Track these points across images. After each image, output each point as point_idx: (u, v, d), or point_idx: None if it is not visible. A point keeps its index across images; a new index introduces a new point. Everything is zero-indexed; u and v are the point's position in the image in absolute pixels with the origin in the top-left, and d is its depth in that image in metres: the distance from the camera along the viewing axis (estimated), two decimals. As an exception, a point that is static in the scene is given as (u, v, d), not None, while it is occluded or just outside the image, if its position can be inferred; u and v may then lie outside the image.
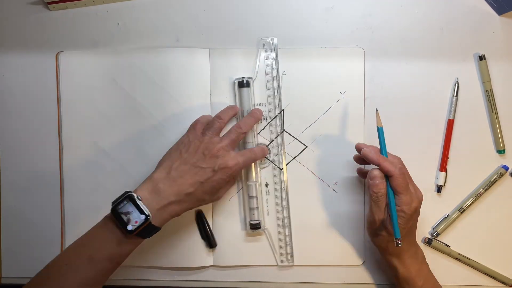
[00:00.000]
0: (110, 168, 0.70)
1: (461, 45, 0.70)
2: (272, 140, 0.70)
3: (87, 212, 0.70)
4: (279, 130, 0.70)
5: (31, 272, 0.71)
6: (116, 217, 0.57)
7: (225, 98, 0.69)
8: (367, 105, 0.69)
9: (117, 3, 0.71)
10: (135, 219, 0.56)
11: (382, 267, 0.70)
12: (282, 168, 0.70)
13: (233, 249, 0.70)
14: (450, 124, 0.69)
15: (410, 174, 0.64)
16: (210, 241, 0.69)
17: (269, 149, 0.69)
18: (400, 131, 0.70)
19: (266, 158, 0.69)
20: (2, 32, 0.71)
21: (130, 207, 0.56)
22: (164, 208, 0.58)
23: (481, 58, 0.69)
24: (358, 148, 0.63)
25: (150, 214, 0.56)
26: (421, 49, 0.70)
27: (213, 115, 0.69)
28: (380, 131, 0.62)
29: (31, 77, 0.71)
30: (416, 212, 0.61)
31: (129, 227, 0.55)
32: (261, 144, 0.69)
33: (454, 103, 0.69)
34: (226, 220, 0.70)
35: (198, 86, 0.69)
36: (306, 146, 0.70)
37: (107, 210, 0.68)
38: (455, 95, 0.69)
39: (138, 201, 0.56)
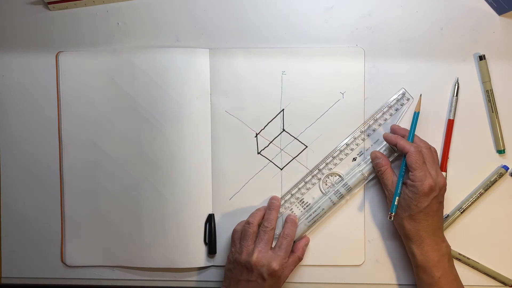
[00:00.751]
0: (109, 168, 0.70)
1: (461, 45, 0.70)
2: (272, 141, 0.70)
3: (87, 212, 0.70)
4: (279, 130, 0.70)
5: (31, 272, 0.71)
6: None
7: (225, 98, 0.69)
8: (367, 105, 0.69)
9: (117, 3, 0.71)
10: None
11: (381, 267, 0.70)
12: (282, 168, 0.70)
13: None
14: (450, 124, 0.69)
15: None
16: (211, 248, 0.69)
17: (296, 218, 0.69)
18: (400, 131, 0.70)
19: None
20: (2, 32, 0.71)
21: None
22: None
23: (481, 58, 0.69)
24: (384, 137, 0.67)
25: None
26: (421, 49, 0.70)
27: (213, 116, 0.69)
28: (415, 115, 0.66)
29: (31, 77, 0.71)
30: (431, 193, 0.61)
31: None
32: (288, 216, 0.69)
33: (454, 103, 0.69)
34: (226, 220, 0.70)
35: (198, 86, 0.69)
36: (306, 146, 0.70)
37: (107, 210, 0.69)
38: (455, 95, 0.69)
39: None
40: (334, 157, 0.69)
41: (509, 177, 0.70)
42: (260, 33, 0.70)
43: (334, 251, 0.70)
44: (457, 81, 0.69)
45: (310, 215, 0.68)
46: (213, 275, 0.71)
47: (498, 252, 0.70)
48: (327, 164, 0.69)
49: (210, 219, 0.70)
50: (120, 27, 0.71)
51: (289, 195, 0.70)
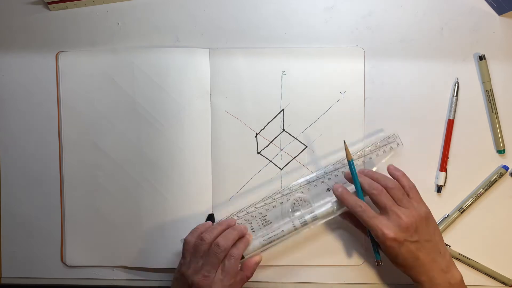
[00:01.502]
0: (109, 168, 0.70)
1: (461, 45, 0.70)
2: (272, 141, 0.70)
3: (87, 212, 0.70)
4: (279, 130, 0.70)
5: (31, 272, 0.71)
6: None
7: (225, 98, 0.69)
8: (367, 105, 0.69)
9: (117, 3, 0.71)
10: None
11: (381, 267, 0.70)
12: (282, 168, 0.70)
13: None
14: (450, 124, 0.69)
15: (410, 176, 0.64)
16: None
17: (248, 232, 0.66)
18: (400, 131, 0.69)
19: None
20: (2, 32, 0.71)
21: None
22: None
23: (481, 58, 0.69)
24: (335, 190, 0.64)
25: None
26: (421, 49, 0.70)
27: (212, 116, 0.69)
28: (350, 163, 0.64)
29: (31, 77, 0.71)
30: (397, 243, 0.59)
31: None
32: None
33: (454, 103, 0.69)
34: (228, 215, 0.70)
35: (198, 86, 0.69)
36: (306, 146, 0.70)
37: (106, 210, 0.69)
38: (455, 95, 0.69)
39: None
40: (309, 182, 0.68)
41: (509, 177, 0.70)
42: (260, 33, 0.70)
43: (334, 251, 0.70)
44: (457, 81, 0.69)
45: (268, 234, 0.65)
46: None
47: (498, 252, 0.70)
48: (300, 186, 0.67)
49: (211, 219, 0.70)
50: (120, 27, 0.71)
51: (253, 208, 0.67)
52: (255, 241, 0.65)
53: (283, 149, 0.70)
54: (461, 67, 0.70)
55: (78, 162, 0.70)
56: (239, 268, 0.63)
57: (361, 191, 0.63)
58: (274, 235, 0.65)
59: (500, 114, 0.69)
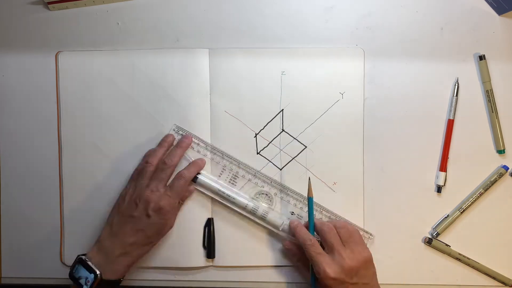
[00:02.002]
0: (109, 168, 0.70)
1: (461, 45, 0.70)
2: (272, 141, 0.70)
3: (86, 212, 0.70)
4: (278, 130, 0.70)
5: (31, 272, 0.72)
6: (72, 280, 0.62)
7: (225, 98, 0.69)
8: (367, 105, 0.69)
9: (117, 3, 0.71)
10: (87, 279, 0.61)
11: (381, 266, 0.70)
12: (281, 169, 0.70)
13: (233, 249, 0.70)
14: (450, 124, 0.69)
15: (408, 177, 0.66)
16: (210, 251, 0.69)
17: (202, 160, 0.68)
18: (400, 131, 0.70)
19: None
20: (2, 32, 0.71)
21: (80, 269, 0.61)
22: (113, 262, 0.62)
23: (481, 58, 0.69)
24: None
25: (99, 271, 0.60)
26: (421, 49, 0.70)
27: (212, 116, 0.69)
28: (310, 201, 0.66)
29: (31, 77, 0.71)
30: (335, 282, 0.60)
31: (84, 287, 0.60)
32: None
33: (454, 103, 0.69)
34: (226, 220, 0.70)
35: (198, 86, 0.69)
36: (306, 147, 0.70)
37: (106, 209, 0.69)
38: (455, 95, 0.69)
39: (87, 262, 0.61)
40: (288, 194, 0.69)
41: (509, 177, 0.70)
42: (260, 33, 0.70)
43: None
44: (457, 81, 0.69)
45: (226, 189, 0.68)
46: (212, 275, 0.71)
47: (498, 252, 0.70)
48: (280, 190, 0.69)
49: (209, 223, 0.70)
50: (120, 27, 0.71)
51: (236, 163, 0.69)
52: (213, 183, 0.68)
53: (283, 149, 0.70)
54: (461, 67, 0.70)
55: (78, 162, 0.70)
56: (187, 189, 0.67)
57: (313, 227, 0.65)
58: (227, 195, 0.67)
59: (500, 114, 0.69)
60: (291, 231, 0.66)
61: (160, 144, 0.68)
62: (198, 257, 0.70)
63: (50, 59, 0.70)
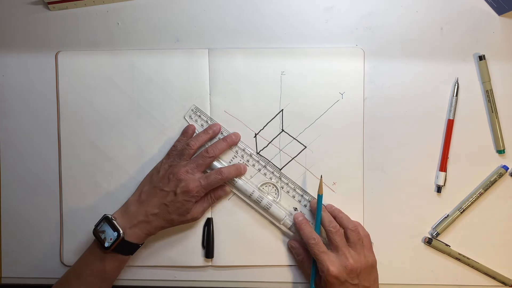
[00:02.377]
0: (108, 168, 0.70)
1: (461, 45, 0.70)
2: (271, 141, 0.70)
3: (86, 212, 0.70)
4: (278, 130, 0.70)
5: (31, 272, 0.72)
6: (95, 236, 0.64)
7: (225, 98, 0.69)
8: (367, 105, 0.69)
9: (117, 3, 0.71)
10: (109, 237, 0.63)
11: (381, 266, 0.70)
12: (281, 169, 0.70)
13: (232, 249, 0.70)
14: (450, 124, 0.69)
15: (408, 177, 0.66)
16: (208, 251, 0.69)
17: (245, 166, 0.69)
18: (400, 131, 0.70)
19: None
20: (2, 32, 0.71)
21: (105, 227, 0.64)
22: (135, 226, 0.64)
23: (481, 58, 0.69)
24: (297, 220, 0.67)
25: (122, 232, 0.63)
26: (421, 49, 0.70)
27: (212, 116, 0.69)
28: (319, 198, 0.66)
29: (31, 77, 0.71)
30: (336, 281, 0.61)
31: (106, 244, 0.63)
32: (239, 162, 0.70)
33: (454, 103, 0.69)
34: (226, 220, 0.70)
35: (197, 86, 0.69)
36: (305, 147, 0.70)
37: (105, 210, 0.69)
38: (455, 95, 0.69)
39: (112, 221, 0.64)
40: (292, 185, 0.69)
41: (509, 177, 0.70)
42: (260, 33, 0.70)
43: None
44: (457, 81, 0.69)
45: (242, 181, 0.68)
46: (212, 275, 0.71)
47: (498, 252, 0.70)
48: (289, 183, 0.69)
49: (209, 222, 0.70)
50: (120, 27, 0.71)
51: (256, 156, 0.69)
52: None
53: (282, 150, 0.70)
54: (461, 67, 0.69)
55: (77, 162, 0.70)
56: (222, 189, 0.68)
57: (319, 225, 0.66)
58: (235, 180, 0.68)
59: (500, 114, 0.69)
60: (296, 226, 0.67)
61: (205, 131, 0.68)
62: (196, 256, 0.70)
63: (50, 59, 0.70)
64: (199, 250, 0.70)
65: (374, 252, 0.66)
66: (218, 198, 0.69)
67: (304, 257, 0.67)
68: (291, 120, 0.69)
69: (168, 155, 0.68)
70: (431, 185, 0.70)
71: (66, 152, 0.70)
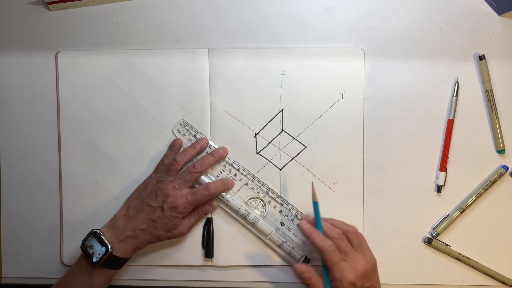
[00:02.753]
0: (108, 168, 0.70)
1: (461, 45, 0.70)
2: (271, 141, 0.70)
3: (86, 212, 0.70)
4: (278, 130, 0.70)
5: (31, 272, 0.72)
6: (83, 251, 0.64)
7: (225, 98, 0.69)
8: (367, 105, 0.69)
9: (117, 3, 0.71)
10: (98, 252, 0.63)
11: (381, 266, 0.70)
12: (281, 169, 0.70)
13: (232, 249, 0.70)
14: (450, 124, 0.69)
15: (408, 177, 0.66)
16: (208, 251, 0.69)
17: (233, 180, 0.69)
18: (400, 131, 0.70)
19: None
20: (2, 32, 0.71)
21: (93, 242, 0.64)
22: (122, 241, 0.65)
23: (481, 58, 0.69)
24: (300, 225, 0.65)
25: (111, 247, 0.63)
26: (421, 49, 0.70)
27: (212, 116, 0.69)
28: (315, 205, 0.64)
29: (31, 77, 0.71)
30: (354, 285, 0.60)
31: (94, 259, 0.63)
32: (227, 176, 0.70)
33: (454, 103, 0.69)
34: (226, 220, 0.70)
35: (197, 86, 0.69)
36: (305, 147, 0.70)
37: (105, 210, 0.69)
38: (455, 95, 0.69)
39: (100, 236, 0.64)
40: (280, 204, 0.69)
41: (509, 177, 0.70)
42: (260, 33, 0.70)
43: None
44: (457, 81, 0.69)
45: (229, 195, 0.68)
46: (212, 275, 0.71)
47: (498, 252, 0.70)
48: (274, 196, 0.69)
49: (209, 222, 0.70)
50: (120, 27, 0.71)
51: (245, 172, 0.69)
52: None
53: (282, 149, 0.70)
54: (461, 67, 0.69)
55: (77, 162, 0.70)
56: (210, 203, 0.68)
57: (321, 232, 0.64)
58: (222, 196, 0.68)
59: (500, 114, 0.69)
60: (305, 235, 0.64)
61: (192, 145, 0.68)
62: (196, 256, 0.70)
63: (50, 59, 0.70)
64: (199, 250, 0.70)
65: (374, 252, 0.66)
66: (206, 213, 0.69)
67: (315, 279, 0.63)
68: (291, 120, 0.69)
69: (156, 170, 0.68)
70: (431, 185, 0.70)
71: (66, 152, 0.70)
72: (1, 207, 0.72)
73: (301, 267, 0.63)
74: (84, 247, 0.64)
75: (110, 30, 0.71)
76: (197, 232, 0.70)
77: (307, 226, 0.64)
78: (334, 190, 0.69)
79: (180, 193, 0.65)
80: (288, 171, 0.70)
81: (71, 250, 0.71)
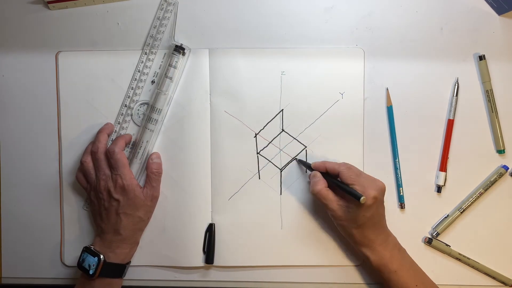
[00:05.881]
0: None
1: (461, 45, 0.70)
2: (271, 141, 0.70)
3: (86, 212, 0.70)
4: (278, 130, 0.70)
5: (31, 272, 0.72)
6: (80, 268, 0.65)
7: (225, 98, 0.69)
8: (367, 105, 0.69)
9: (117, 3, 0.71)
10: (91, 263, 0.64)
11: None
12: (282, 169, 0.70)
13: (233, 249, 0.70)
14: (450, 124, 0.69)
15: (408, 177, 0.67)
16: (209, 257, 0.69)
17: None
18: (400, 131, 0.70)
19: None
20: (2, 32, 0.71)
21: (86, 255, 0.65)
22: (116, 246, 0.65)
23: (481, 58, 0.69)
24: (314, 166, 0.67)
25: (102, 256, 0.64)
26: (421, 49, 0.70)
27: (212, 116, 0.69)
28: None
29: (31, 77, 0.71)
30: (375, 201, 0.62)
31: (90, 272, 0.64)
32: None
33: (454, 103, 0.69)
34: (226, 220, 0.70)
35: (198, 86, 0.69)
36: (306, 147, 0.70)
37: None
38: (455, 95, 0.69)
39: (91, 248, 0.65)
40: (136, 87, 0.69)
41: (509, 177, 0.70)
42: (260, 33, 0.70)
43: (332, 251, 0.70)
44: (457, 81, 0.69)
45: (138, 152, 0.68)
46: (212, 275, 0.71)
47: (498, 252, 0.70)
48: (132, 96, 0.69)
49: (211, 228, 0.69)
50: (120, 27, 0.71)
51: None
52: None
53: (283, 149, 0.70)
54: (461, 67, 0.70)
55: (78, 162, 0.70)
56: (127, 161, 0.67)
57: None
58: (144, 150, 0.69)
59: (500, 114, 0.69)
60: (317, 167, 0.66)
61: (85, 150, 0.69)
62: (197, 257, 0.70)
63: (50, 59, 0.70)
64: (199, 251, 0.70)
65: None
66: (157, 167, 0.68)
67: (320, 189, 0.64)
68: (291, 120, 0.69)
69: (88, 174, 0.67)
70: (431, 185, 0.70)
71: (66, 151, 0.70)
72: (1, 207, 0.72)
73: (314, 172, 0.66)
74: (79, 264, 0.65)
75: (110, 30, 0.71)
76: (198, 233, 0.70)
77: (318, 163, 0.66)
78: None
79: (109, 177, 0.65)
80: (289, 171, 0.70)
81: (72, 250, 0.71)
